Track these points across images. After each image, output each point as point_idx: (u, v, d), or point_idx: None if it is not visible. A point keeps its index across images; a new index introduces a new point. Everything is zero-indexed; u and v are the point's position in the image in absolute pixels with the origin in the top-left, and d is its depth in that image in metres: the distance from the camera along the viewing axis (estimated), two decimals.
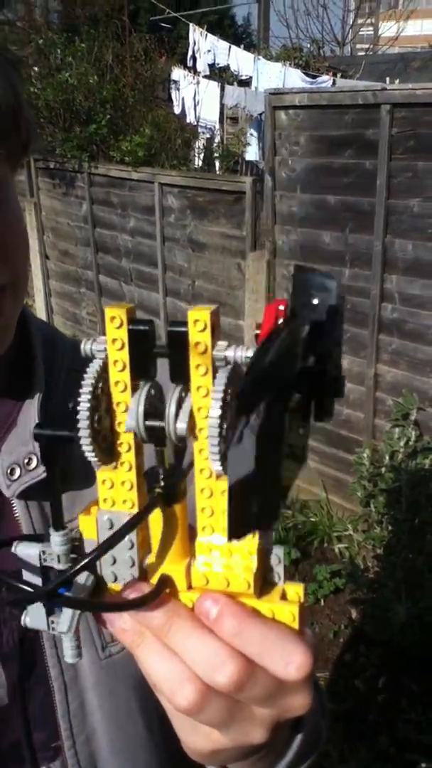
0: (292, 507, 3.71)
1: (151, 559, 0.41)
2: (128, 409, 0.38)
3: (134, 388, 0.39)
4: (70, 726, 0.74)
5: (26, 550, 0.42)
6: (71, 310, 6.44)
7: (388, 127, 3.14)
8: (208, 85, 8.67)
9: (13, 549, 0.42)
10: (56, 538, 0.41)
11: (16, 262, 0.68)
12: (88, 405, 0.37)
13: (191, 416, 0.37)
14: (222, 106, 8.89)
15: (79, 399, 0.37)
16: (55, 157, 5.65)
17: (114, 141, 5.40)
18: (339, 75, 10.19)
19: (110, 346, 0.38)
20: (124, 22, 8.49)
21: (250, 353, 0.36)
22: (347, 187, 3.43)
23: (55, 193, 6.08)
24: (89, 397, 0.37)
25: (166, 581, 0.40)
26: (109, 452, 0.39)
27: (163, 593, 0.39)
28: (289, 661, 0.38)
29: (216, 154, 7.44)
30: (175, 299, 4.95)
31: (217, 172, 6.99)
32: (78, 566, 0.37)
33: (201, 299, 4.66)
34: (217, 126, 8.72)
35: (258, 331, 0.37)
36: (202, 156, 7.52)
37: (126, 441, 0.39)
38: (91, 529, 0.41)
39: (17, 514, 0.71)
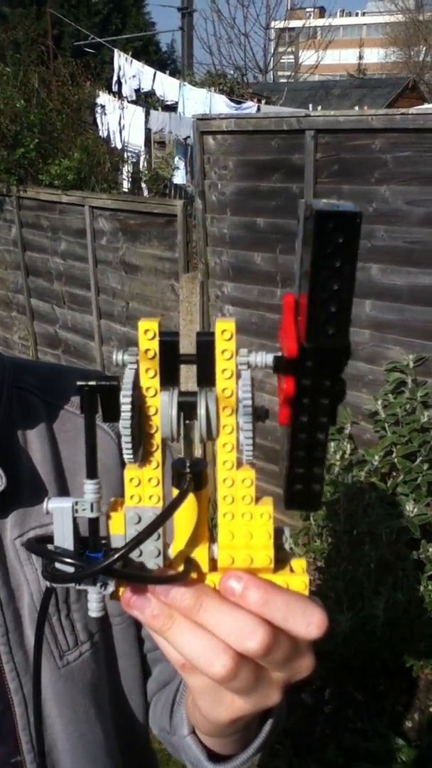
0: None
1: (175, 544, 0.44)
2: (160, 411, 0.41)
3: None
4: (31, 739, 0.73)
5: (58, 504, 0.43)
6: (2, 335, 6.32)
7: (313, 152, 3.26)
8: (135, 111, 8.76)
9: (44, 505, 0.43)
10: (89, 486, 0.43)
11: None
12: (129, 408, 0.40)
13: (218, 414, 0.41)
14: (148, 130, 9.00)
15: (121, 403, 0.40)
16: None
17: (42, 165, 5.37)
18: (264, 101, 10.47)
19: (143, 355, 0.41)
20: (49, 46, 8.49)
21: (269, 358, 0.40)
22: (275, 209, 3.53)
23: None
24: (129, 401, 0.40)
25: (192, 563, 0.43)
26: (137, 452, 0.42)
27: (191, 574, 0.42)
28: (310, 621, 0.42)
29: (143, 178, 7.50)
30: (110, 321, 4.93)
31: (145, 195, 7.04)
32: (132, 543, 0.40)
33: (135, 321, 4.64)
34: (143, 150, 8.81)
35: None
36: (129, 180, 7.55)
37: (156, 441, 0.42)
38: (117, 525, 0.43)
39: None
